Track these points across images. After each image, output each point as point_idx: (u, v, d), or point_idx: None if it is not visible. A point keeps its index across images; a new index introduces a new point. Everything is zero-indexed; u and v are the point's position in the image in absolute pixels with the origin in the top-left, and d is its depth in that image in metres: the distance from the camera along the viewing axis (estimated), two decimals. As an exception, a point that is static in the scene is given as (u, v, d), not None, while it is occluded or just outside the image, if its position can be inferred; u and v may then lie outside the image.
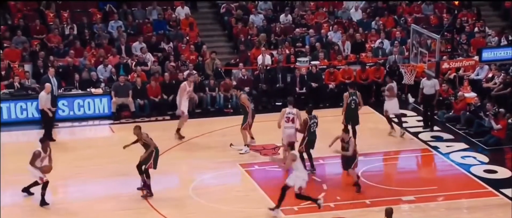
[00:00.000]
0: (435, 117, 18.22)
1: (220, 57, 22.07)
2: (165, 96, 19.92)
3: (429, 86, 17.45)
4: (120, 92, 19.48)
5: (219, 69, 21.06)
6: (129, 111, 19.55)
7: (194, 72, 19.71)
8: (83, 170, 15.82)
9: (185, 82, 17.86)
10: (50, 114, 17.37)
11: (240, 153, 16.49)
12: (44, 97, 17.30)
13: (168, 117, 19.61)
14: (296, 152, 13.45)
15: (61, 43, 21.71)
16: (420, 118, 19.22)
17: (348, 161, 14.44)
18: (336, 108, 19.74)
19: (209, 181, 15.19)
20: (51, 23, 22.64)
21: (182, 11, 23.86)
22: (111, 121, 19.26)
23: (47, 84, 17.55)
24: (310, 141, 15.27)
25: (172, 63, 20.95)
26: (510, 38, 22.93)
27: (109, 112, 19.53)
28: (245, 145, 16.58)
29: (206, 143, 17.56)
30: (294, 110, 15.47)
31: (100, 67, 20.79)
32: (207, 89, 20.33)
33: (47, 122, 17.45)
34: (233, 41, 23.43)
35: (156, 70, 20.75)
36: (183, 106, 17.57)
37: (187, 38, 22.74)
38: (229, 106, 20.20)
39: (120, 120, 19.30)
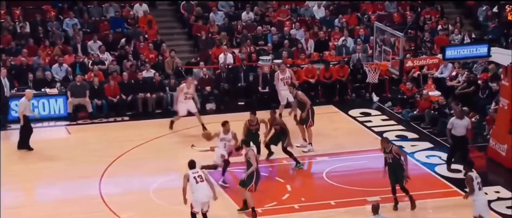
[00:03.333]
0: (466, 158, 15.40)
1: (180, 55, 22.05)
2: (123, 96, 19.85)
3: (461, 126, 15.57)
4: (76, 92, 19.33)
5: (180, 68, 21.06)
6: (86, 111, 19.42)
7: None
8: (41, 173, 15.68)
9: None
10: (22, 122, 16.95)
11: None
12: (24, 104, 16.97)
13: (126, 118, 19.55)
14: (190, 172, 12.76)
15: (12, 42, 21.41)
16: (385, 117, 19.55)
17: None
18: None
19: (171, 182, 15.14)
20: (2, 20, 22.31)
21: (140, 8, 23.75)
22: (68, 122, 19.11)
23: (28, 91, 17.52)
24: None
25: (130, 62, 20.87)
26: (473, 36, 23.46)
27: (65, 113, 19.38)
28: (309, 144, 16.73)
29: (167, 144, 17.56)
30: (191, 90, 17.92)
31: (55, 66, 20.59)
32: (167, 88, 20.28)
33: (25, 130, 17.01)
34: (193, 39, 23.42)
35: (114, 69, 20.65)
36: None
37: (146, 36, 22.66)
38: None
39: (77, 121, 19.17)
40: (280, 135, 15.91)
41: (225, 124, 15.14)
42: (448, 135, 15.85)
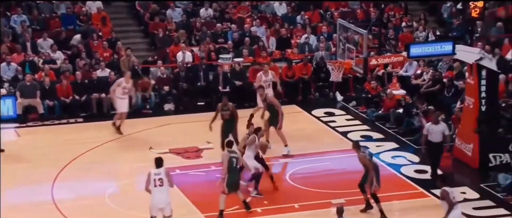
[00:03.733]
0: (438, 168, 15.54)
1: (137, 54, 21.86)
2: (77, 97, 19.61)
3: (437, 132, 15.27)
4: (26, 92, 19.04)
5: (136, 67, 20.89)
6: (36, 113, 19.13)
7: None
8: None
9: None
10: None
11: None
12: None
13: (80, 119, 19.30)
14: (152, 172, 12.56)
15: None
16: (350, 117, 19.67)
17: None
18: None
19: (127, 187, 15.07)
20: None
21: (94, 5, 23.51)
22: (17, 124, 18.79)
23: None
24: None
25: (83, 61, 20.64)
26: (437, 33, 23.78)
27: (14, 115, 19.05)
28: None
29: (123, 147, 17.41)
30: (129, 84, 18.00)
31: (3, 65, 20.26)
32: (123, 88, 20.14)
33: None
34: (150, 37, 23.27)
35: (66, 68, 20.39)
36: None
37: (100, 34, 22.43)
38: (148, 106, 20.06)
39: (27, 123, 18.87)
40: (230, 122, 15.82)
41: (259, 130, 14.94)
42: (423, 142, 15.53)
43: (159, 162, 12.70)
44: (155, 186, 12.55)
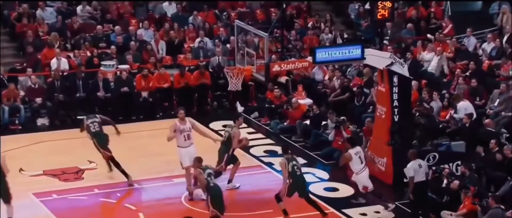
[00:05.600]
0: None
1: (2, 60, 21.41)
2: None
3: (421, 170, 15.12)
4: None
5: (1, 76, 20.39)
6: None
7: None
8: None
9: None
10: None
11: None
12: None
13: None
14: None
15: None
16: (252, 130, 19.85)
17: None
18: (152, 121, 19.90)
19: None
20: None
21: None
22: None
23: None
24: None
25: None
26: (345, 35, 24.43)
27: None
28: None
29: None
30: None
31: None
32: (-14, 101, 19.71)
33: None
34: (17, 41, 22.80)
35: None
36: None
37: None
38: (17, 121, 19.66)
39: None
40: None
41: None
42: (411, 187, 15.11)
43: None
44: None
